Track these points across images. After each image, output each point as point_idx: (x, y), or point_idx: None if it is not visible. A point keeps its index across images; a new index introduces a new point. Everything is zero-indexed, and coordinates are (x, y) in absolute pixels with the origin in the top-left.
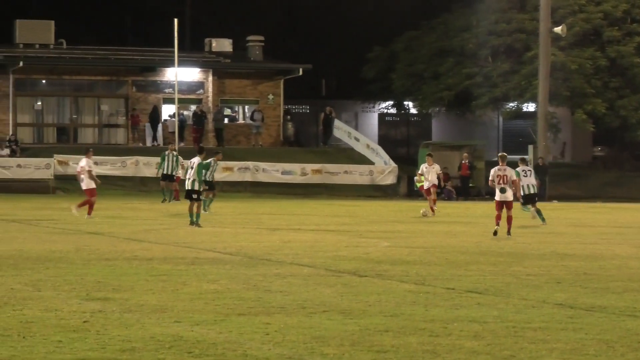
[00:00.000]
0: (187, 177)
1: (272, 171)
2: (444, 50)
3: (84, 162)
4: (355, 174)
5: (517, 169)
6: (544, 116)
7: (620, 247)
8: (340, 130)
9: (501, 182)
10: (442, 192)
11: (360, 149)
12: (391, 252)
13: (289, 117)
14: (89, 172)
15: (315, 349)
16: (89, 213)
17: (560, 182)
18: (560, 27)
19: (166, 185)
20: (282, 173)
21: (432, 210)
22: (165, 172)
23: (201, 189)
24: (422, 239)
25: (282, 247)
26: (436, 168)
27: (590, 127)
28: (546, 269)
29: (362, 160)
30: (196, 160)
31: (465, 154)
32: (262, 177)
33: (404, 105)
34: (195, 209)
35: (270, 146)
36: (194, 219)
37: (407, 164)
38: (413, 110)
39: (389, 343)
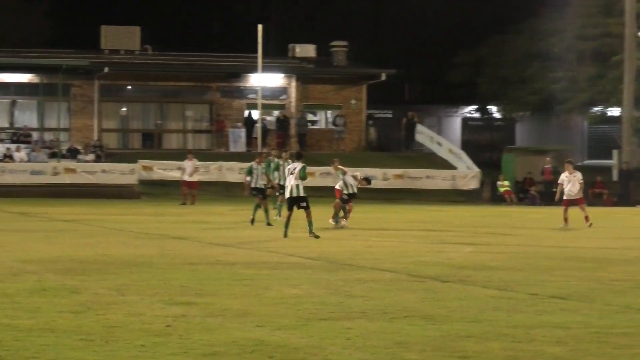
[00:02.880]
0: (288, 183)
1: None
2: (530, 55)
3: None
4: (438, 179)
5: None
6: (628, 121)
7: None
8: (423, 134)
9: None
10: (526, 197)
11: (443, 154)
12: (474, 257)
13: (371, 122)
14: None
15: (396, 355)
16: None
17: None
18: None
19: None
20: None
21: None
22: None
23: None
24: (505, 244)
25: (363, 252)
26: (578, 177)
27: None
28: (631, 275)
29: (445, 165)
30: (298, 165)
31: (548, 159)
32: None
33: (487, 109)
34: (307, 217)
35: (352, 151)
36: (310, 228)
37: (491, 169)
38: (497, 115)
39: (471, 349)
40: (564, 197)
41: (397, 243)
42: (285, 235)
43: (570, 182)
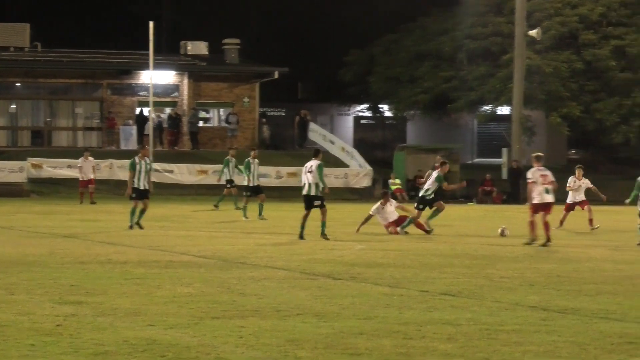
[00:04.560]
0: (304, 182)
1: None
2: (421, 54)
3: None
4: (331, 177)
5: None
6: (518, 119)
7: (594, 249)
8: (315, 133)
9: (544, 182)
10: (417, 195)
11: (336, 152)
12: (365, 254)
13: (264, 120)
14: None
15: (289, 352)
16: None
17: None
18: (535, 31)
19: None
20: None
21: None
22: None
23: (321, 194)
24: (396, 241)
25: (256, 250)
26: (587, 183)
27: (565, 131)
28: (520, 272)
29: (338, 163)
30: (314, 163)
31: (438, 157)
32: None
33: (379, 108)
34: (321, 217)
35: (245, 149)
36: (323, 230)
37: (382, 167)
38: (388, 114)
39: (362, 346)
40: (567, 201)
41: (290, 241)
42: (301, 237)
43: (577, 188)
